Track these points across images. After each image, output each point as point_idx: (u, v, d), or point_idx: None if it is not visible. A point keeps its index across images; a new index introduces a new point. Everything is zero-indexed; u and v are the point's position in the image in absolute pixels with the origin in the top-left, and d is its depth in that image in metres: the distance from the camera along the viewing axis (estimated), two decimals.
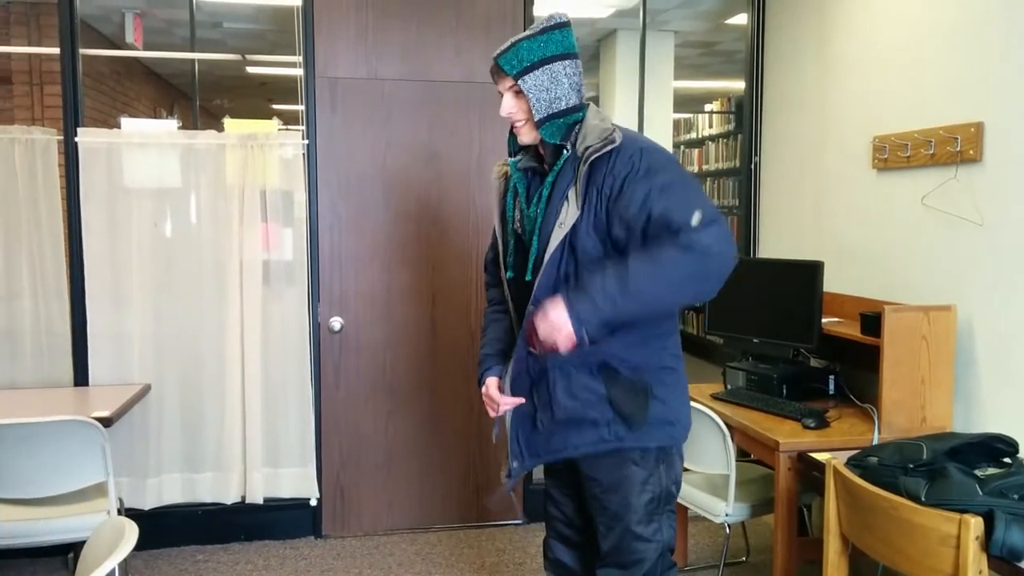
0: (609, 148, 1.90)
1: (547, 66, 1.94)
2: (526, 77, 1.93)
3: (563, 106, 1.95)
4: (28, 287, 3.57)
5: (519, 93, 1.96)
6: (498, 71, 1.97)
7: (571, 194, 1.94)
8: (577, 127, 1.97)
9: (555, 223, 1.94)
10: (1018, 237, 2.61)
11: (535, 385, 2.05)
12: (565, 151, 1.98)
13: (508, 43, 1.97)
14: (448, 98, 3.81)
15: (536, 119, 1.95)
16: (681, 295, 1.87)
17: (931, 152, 2.91)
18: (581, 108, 1.99)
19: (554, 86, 1.94)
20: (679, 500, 3.23)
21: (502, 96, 2.00)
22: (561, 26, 1.98)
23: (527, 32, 1.98)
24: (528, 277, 2.01)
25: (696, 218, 1.80)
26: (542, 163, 2.06)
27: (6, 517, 2.75)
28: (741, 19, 4.34)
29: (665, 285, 1.82)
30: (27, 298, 3.58)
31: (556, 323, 1.81)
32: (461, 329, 3.91)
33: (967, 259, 2.81)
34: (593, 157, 1.91)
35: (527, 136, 2.01)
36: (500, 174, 2.18)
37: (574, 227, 1.92)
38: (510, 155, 2.14)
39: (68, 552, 3.38)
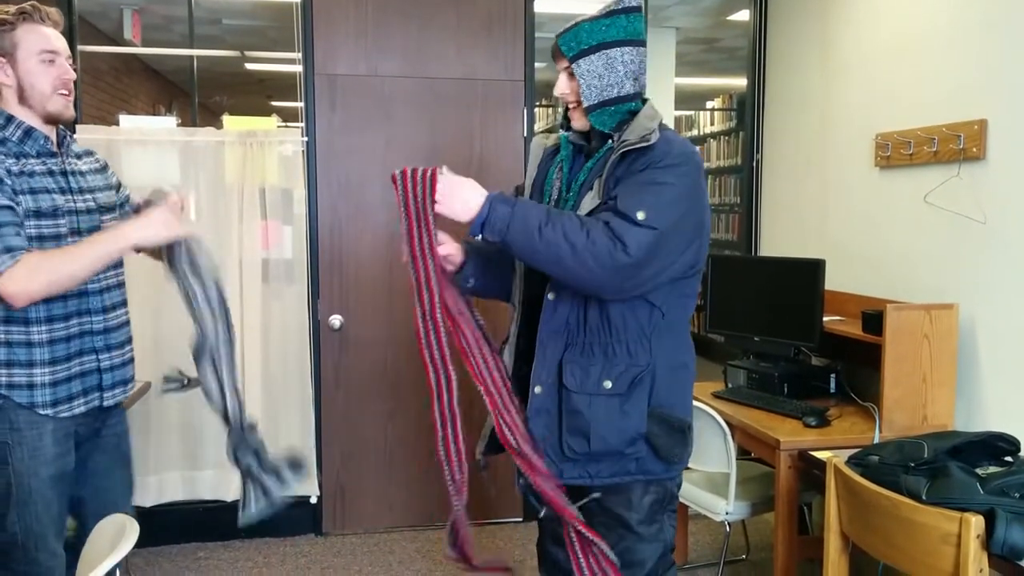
0: (642, 146, 1.85)
1: (604, 51, 1.89)
2: (580, 61, 1.89)
3: (615, 94, 1.90)
4: None
5: (572, 76, 1.92)
6: (556, 51, 1.94)
7: (596, 184, 1.91)
8: (629, 120, 1.92)
9: (578, 208, 1.92)
10: (1021, 235, 2.60)
11: (567, 413, 1.93)
12: (610, 141, 1.94)
13: (572, 23, 1.92)
14: (449, 96, 3.80)
15: (585, 106, 1.91)
16: (569, 266, 1.76)
17: (934, 150, 2.90)
18: (637, 98, 1.94)
19: (608, 72, 1.89)
20: (679, 498, 3.24)
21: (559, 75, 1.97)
22: (628, 11, 1.92)
23: (593, 13, 1.92)
24: None
25: (641, 215, 1.76)
26: (589, 142, 2.02)
27: None
28: (743, 15, 4.33)
29: (571, 250, 1.74)
30: None
31: (467, 191, 1.78)
32: None
33: (970, 257, 2.80)
34: (624, 150, 1.87)
35: (578, 121, 1.97)
36: (551, 144, 2.12)
37: (592, 213, 1.88)
38: (563, 129, 2.09)
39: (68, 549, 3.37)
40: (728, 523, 3.06)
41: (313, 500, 3.81)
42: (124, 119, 3.66)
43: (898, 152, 3.10)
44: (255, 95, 9.55)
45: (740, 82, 4.33)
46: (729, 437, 2.90)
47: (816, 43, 3.68)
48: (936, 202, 2.94)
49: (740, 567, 3.55)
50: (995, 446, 2.23)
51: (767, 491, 3.06)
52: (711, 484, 3.15)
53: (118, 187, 2.35)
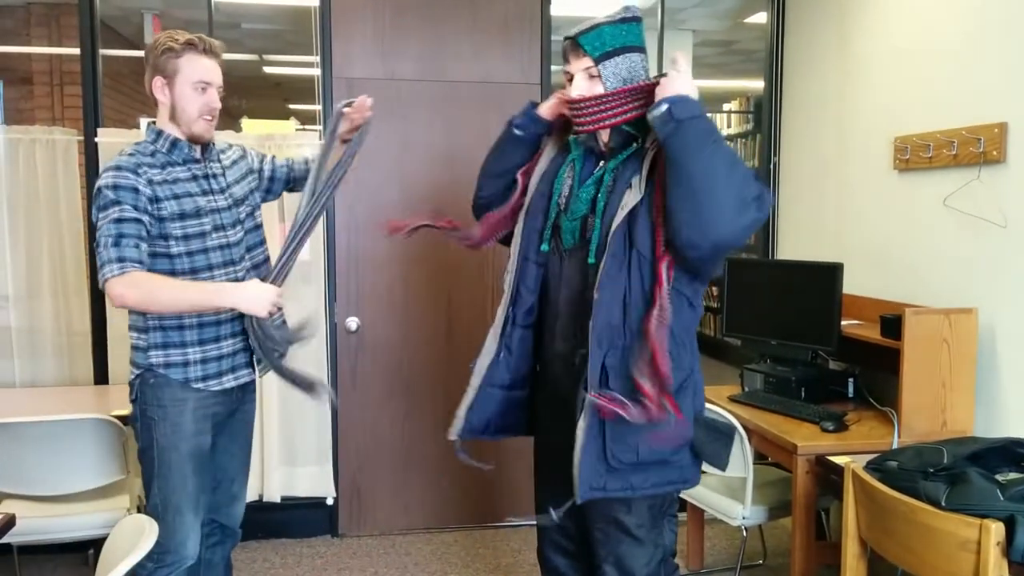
0: None
1: (627, 54, 1.94)
2: (607, 62, 1.92)
3: None
4: (49, 286, 3.61)
5: (593, 76, 1.94)
6: (575, 50, 1.95)
7: (635, 181, 1.92)
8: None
9: (618, 206, 1.92)
10: None
11: (613, 421, 1.88)
12: (635, 144, 1.97)
13: (588, 24, 1.94)
14: (465, 99, 3.81)
15: None
16: (732, 185, 1.77)
17: (953, 153, 2.88)
18: None
19: (631, 76, 1.94)
20: (696, 503, 3.23)
21: (570, 77, 1.98)
22: (638, 19, 1.98)
23: (606, 18, 1.95)
24: (592, 260, 1.96)
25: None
26: (597, 144, 2.04)
27: (28, 514, 2.78)
28: (760, 18, 4.31)
29: (731, 170, 1.79)
30: (48, 297, 3.62)
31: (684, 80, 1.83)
32: (477, 329, 3.89)
33: (989, 261, 2.78)
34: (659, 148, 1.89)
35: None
36: (558, 145, 2.15)
37: (633, 210, 1.90)
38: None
39: (89, 549, 3.41)
40: (745, 528, 3.05)
41: (329, 501, 3.83)
42: (145, 122, 3.69)
43: (917, 155, 3.08)
44: (273, 98, 9.60)
45: (757, 84, 4.31)
46: (746, 441, 2.89)
47: (834, 45, 3.66)
48: (955, 205, 2.91)
49: (757, 572, 3.53)
50: (1015, 452, 2.20)
51: (784, 496, 3.05)
52: (728, 488, 3.13)
53: (261, 163, 2.58)
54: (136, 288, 2.12)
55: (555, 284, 2.06)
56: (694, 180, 1.77)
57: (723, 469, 2.02)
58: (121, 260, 2.11)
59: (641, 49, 1.98)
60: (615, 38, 1.93)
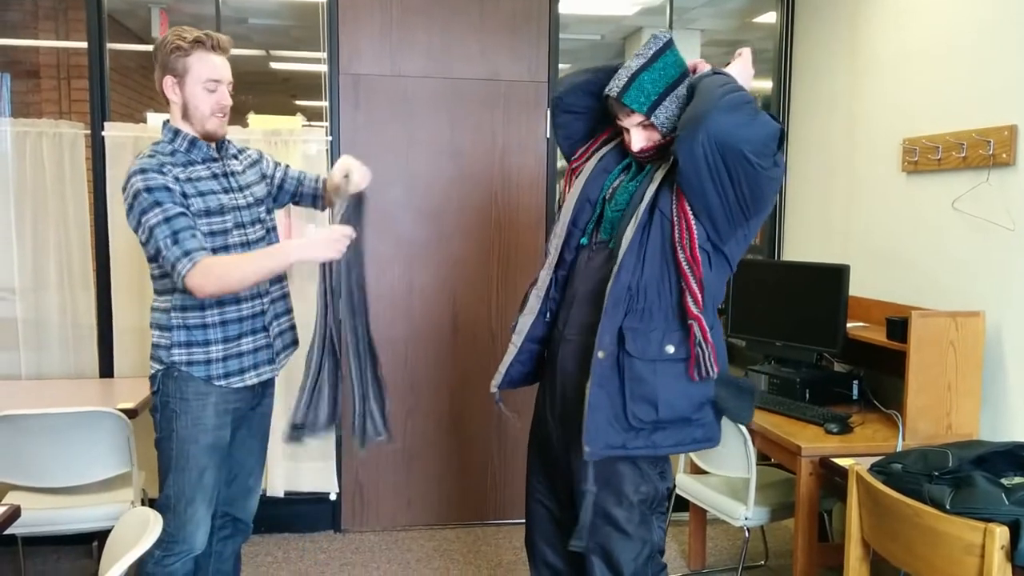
0: None
1: (672, 93, 1.96)
2: (657, 112, 1.95)
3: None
4: (55, 279, 3.61)
5: (648, 126, 1.98)
6: (622, 108, 1.97)
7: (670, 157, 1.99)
8: None
9: (646, 191, 1.98)
10: None
11: (630, 380, 1.92)
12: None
13: (626, 77, 1.95)
14: (471, 96, 3.80)
15: (669, 139, 1.99)
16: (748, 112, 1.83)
17: (963, 155, 2.87)
18: None
19: (679, 109, 1.96)
20: (698, 503, 3.23)
21: (628, 131, 2.01)
22: (670, 45, 1.99)
23: (640, 61, 1.96)
24: (613, 246, 2.01)
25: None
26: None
27: (32, 506, 2.79)
28: (769, 17, 4.30)
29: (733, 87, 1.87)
30: (54, 290, 3.62)
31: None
32: (481, 327, 3.91)
33: (997, 264, 2.76)
34: None
35: (648, 156, 2.05)
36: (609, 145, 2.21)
37: (659, 187, 1.96)
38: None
39: (92, 541, 3.42)
40: (747, 528, 3.04)
41: (332, 497, 3.83)
42: (151, 116, 3.70)
43: (926, 157, 3.07)
44: (280, 94, 9.61)
45: (766, 85, 4.30)
46: (749, 442, 2.88)
47: (843, 46, 3.65)
48: (964, 208, 2.90)
49: (758, 573, 3.53)
50: (1021, 456, 2.20)
51: (787, 497, 3.04)
52: (730, 489, 3.13)
53: (274, 170, 2.58)
54: (208, 274, 2.15)
55: (579, 275, 2.10)
56: (702, 92, 1.87)
57: (747, 423, 2.07)
58: (187, 253, 2.14)
59: (683, 76, 1.99)
60: (656, 83, 1.94)
